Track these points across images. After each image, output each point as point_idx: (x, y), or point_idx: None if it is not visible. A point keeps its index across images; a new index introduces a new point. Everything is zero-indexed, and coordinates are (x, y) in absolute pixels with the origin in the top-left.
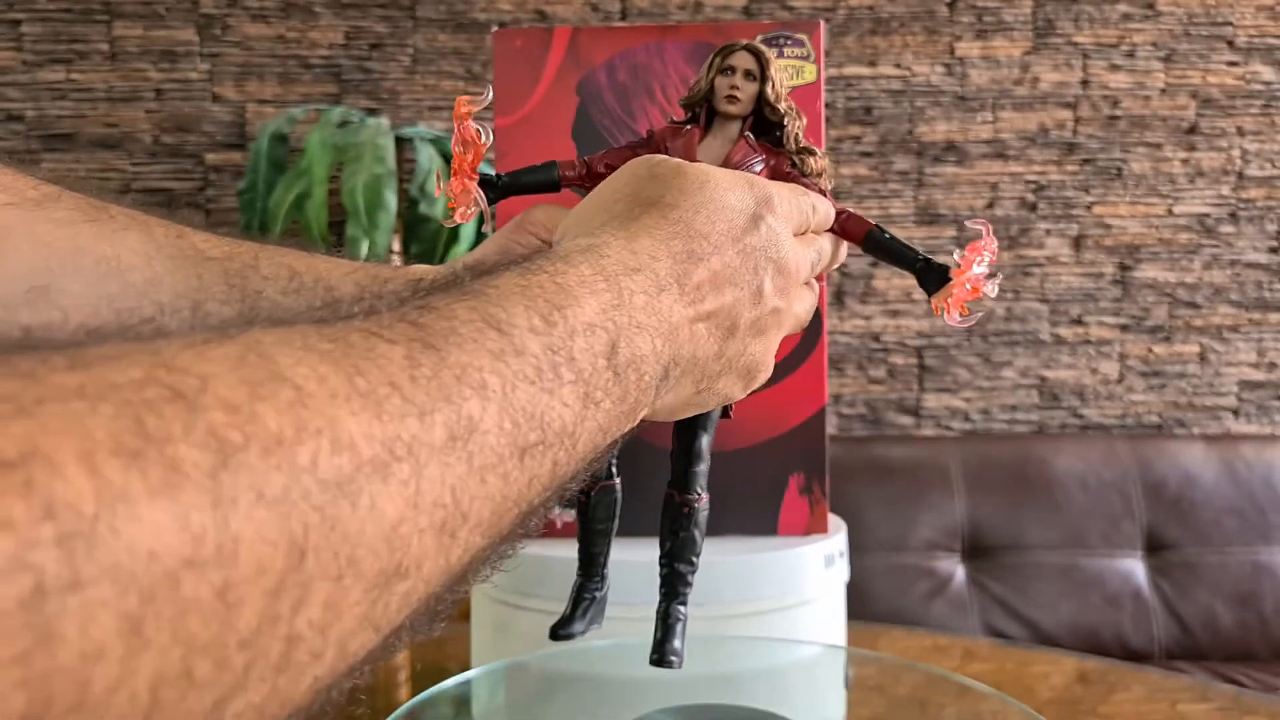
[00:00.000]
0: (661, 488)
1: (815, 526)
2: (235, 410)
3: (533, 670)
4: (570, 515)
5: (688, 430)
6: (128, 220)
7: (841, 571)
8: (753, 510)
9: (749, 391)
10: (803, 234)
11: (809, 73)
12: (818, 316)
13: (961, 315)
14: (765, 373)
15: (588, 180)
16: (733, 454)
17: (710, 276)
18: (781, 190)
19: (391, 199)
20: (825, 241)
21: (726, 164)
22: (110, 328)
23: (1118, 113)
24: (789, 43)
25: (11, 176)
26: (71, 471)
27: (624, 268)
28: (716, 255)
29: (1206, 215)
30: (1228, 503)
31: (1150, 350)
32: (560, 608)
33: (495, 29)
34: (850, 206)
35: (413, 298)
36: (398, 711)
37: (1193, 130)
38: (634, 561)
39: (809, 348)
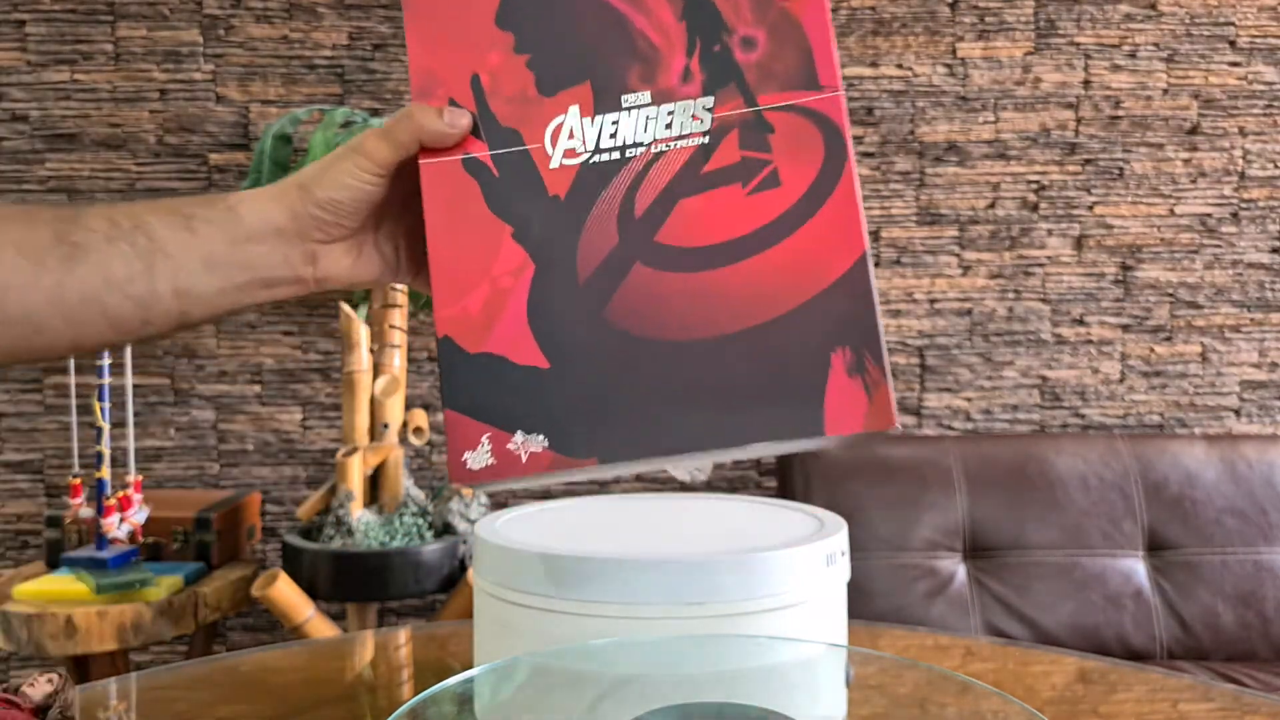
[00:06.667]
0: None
1: (877, 419)
2: None
3: (534, 669)
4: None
5: None
6: None
7: (842, 570)
8: (788, 405)
9: None
10: None
11: None
12: (837, 133)
13: None
14: None
15: None
16: (750, 333)
17: None
18: None
19: None
20: None
21: None
22: None
23: (1119, 113)
24: None
25: None
26: None
27: None
28: None
29: (1208, 215)
30: (1229, 502)
31: (1152, 350)
32: (562, 607)
33: None
34: None
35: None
36: (400, 709)
37: (1194, 130)
38: (634, 561)
39: (833, 175)
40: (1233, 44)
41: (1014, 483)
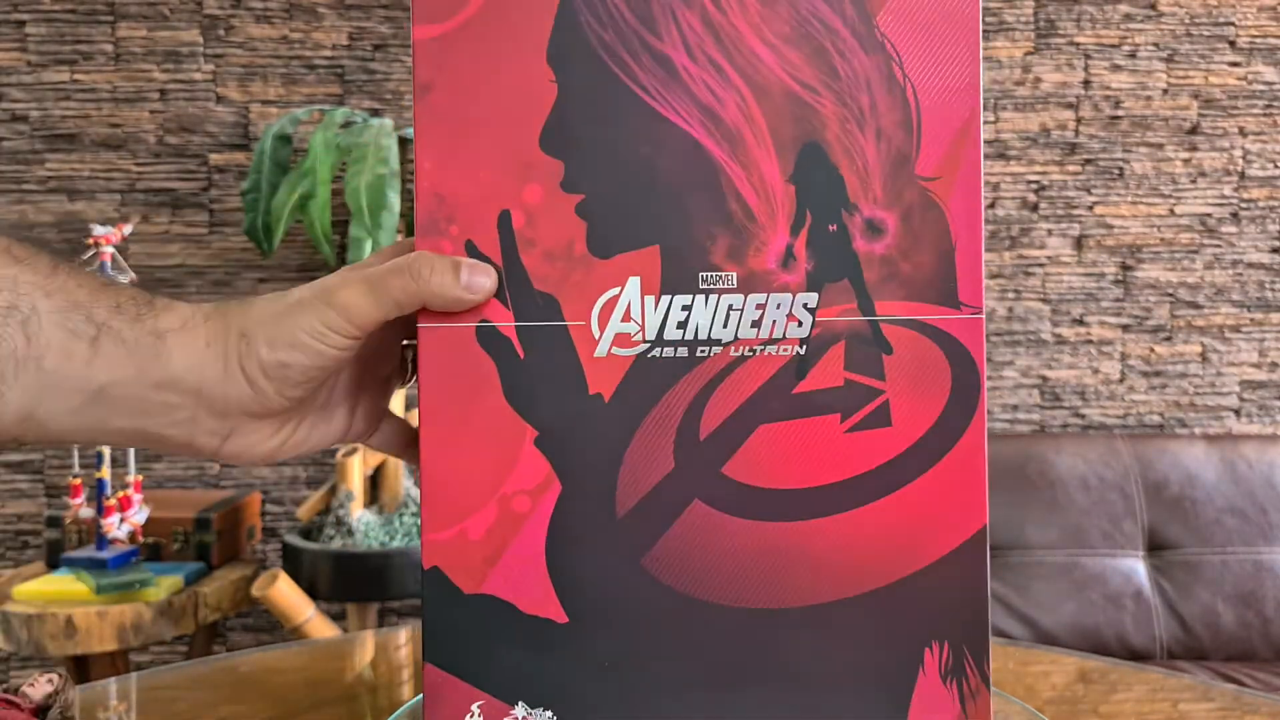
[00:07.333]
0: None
1: None
2: None
3: None
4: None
5: None
6: None
7: None
8: (862, 703)
9: None
10: None
11: None
12: (970, 368)
13: None
14: None
15: None
16: (827, 609)
17: None
18: None
19: (395, 199)
20: None
21: None
22: None
23: (1119, 113)
24: None
25: None
26: None
27: None
28: None
29: (1208, 215)
30: (1229, 502)
31: (1152, 350)
32: None
33: None
34: None
35: None
36: (400, 710)
37: (1194, 130)
38: None
39: (958, 421)
40: (1233, 44)
41: (1014, 483)
